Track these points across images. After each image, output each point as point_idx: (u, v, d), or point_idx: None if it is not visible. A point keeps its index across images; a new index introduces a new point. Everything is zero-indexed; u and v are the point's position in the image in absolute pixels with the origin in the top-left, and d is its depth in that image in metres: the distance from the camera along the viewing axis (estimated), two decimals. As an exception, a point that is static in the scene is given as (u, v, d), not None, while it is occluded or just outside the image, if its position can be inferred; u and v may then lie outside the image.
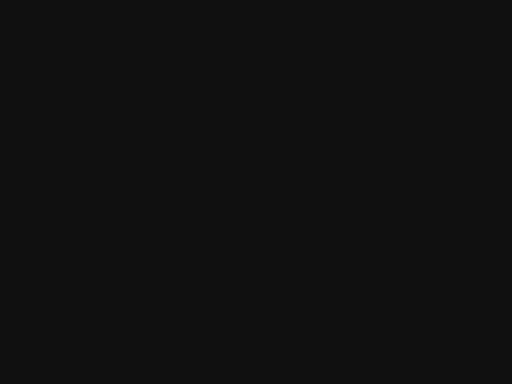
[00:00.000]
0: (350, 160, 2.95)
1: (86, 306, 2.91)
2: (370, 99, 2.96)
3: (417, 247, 2.92)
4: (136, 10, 2.97)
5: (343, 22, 2.96)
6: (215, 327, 2.91)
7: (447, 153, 2.95)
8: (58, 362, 2.90)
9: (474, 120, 2.96)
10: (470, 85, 2.96)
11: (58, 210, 2.94)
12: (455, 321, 2.90)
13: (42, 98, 2.96)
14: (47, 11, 2.96)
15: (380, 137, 2.95)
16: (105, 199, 2.95)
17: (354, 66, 2.96)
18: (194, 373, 2.90)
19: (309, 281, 2.92)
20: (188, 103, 2.97)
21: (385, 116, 2.96)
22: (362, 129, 2.95)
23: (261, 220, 2.94)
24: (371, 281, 2.92)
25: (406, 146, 2.95)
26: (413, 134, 2.95)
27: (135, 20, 2.97)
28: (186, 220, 2.94)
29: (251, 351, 2.90)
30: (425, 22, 2.96)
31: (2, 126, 2.95)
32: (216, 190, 2.94)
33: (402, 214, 2.94)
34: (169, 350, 2.90)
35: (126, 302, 2.92)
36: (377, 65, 2.96)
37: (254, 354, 2.90)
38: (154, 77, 2.97)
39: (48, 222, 2.93)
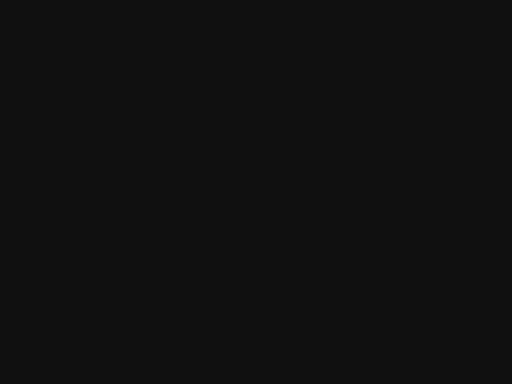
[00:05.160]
0: (350, 160, 2.95)
1: (86, 307, 2.91)
2: (369, 99, 2.96)
3: (417, 248, 2.92)
4: (136, 10, 2.97)
5: (343, 22, 2.97)
6: (215, 328, 2.91)
7: (447, 153, 2.95)
8: (57, 362, 2.90)
9: (474, 120, 2.96)
10: (469, 85, 2.96)
11: (58, 210, 2.94)
12: (455, 321, 2.91)
13: (42, 99, 2.97)
14: (47, 11, 2.96)
15: (380, 137, 2.95)
16: (105, 199, 2.95)
17: (354, 67, 2.96)
18: (194, 373, 2.90)
19: (309, 281, 2.92)
20: (188, 103, 2.98)
21: (384, 116, 2.96)
22: (362, 129, 2.96)
23: (261, 220, 2.95)
24: (371, 281, 2.92)
25: (406, 146, 2.95)
26: (413, 134, 2.95)
27: (135, 20, 2.98)
28: (186, 220, 2.94)
29: (251, 351, 2.90)
30: (424, 22, 2.96)
31: (3, 126, 2.96)
32: (216, 190, 2.94)
33: (402, 214, 2.94)
34: (169, 350, 2.90)
35: (126, 302, 2.92)
36: (376, 65, 2.96)
37: (253, 354, 2.90)
38: (153, 77, 2.97)
39: (48, 223, 2.94)
